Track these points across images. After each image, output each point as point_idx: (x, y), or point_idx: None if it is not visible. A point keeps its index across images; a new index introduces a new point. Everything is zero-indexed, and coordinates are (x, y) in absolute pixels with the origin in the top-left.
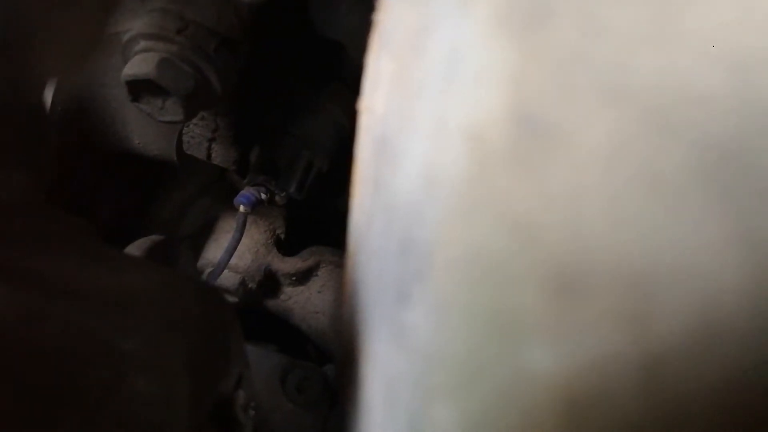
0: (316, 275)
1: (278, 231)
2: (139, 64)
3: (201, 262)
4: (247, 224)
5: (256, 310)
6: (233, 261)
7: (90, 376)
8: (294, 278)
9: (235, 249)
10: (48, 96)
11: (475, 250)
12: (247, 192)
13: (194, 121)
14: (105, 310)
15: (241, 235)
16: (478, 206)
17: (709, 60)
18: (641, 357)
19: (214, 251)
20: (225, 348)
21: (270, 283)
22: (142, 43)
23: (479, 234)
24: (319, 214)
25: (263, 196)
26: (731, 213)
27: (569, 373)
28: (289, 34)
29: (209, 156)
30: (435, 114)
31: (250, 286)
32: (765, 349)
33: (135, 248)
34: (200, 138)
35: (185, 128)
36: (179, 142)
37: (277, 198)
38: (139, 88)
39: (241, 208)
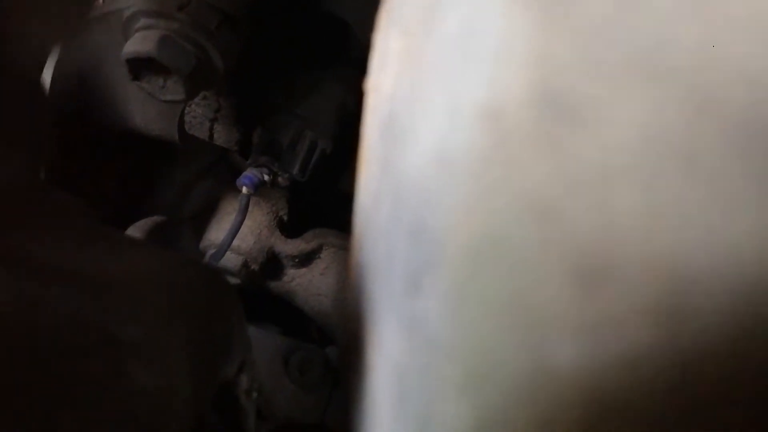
0: (319, 257)
1: (281, 213)
2: (140, 42)
3: (203, 244)
4: (250, 206)
5: (259, 291)
6: (235, 243)
7: (86, 368)
8: (297, 260)
9: (238, 230)
10: (47, 74)
11: (492, 237)
12: (250, 173)
13: (196, 100)
14: (103, 295)
15: (244, 216)
16: (497, 189)
17: (757, 36)
18: (675, 355)
19: (216, 233)
20: (227, 333)
21: (273, 265)
22: (143, 20)
23: (497, 219)
24: (322, 196)
25: (266, 177)
26: None
27: (594, 370)
28: (294, 11)
29: (211, 136)
30: (449, 92)
31: (252, 267)
32: None
33: (136, 229)
34: (202, 118)
35: (187, 108)
36: (181, 121)
37: (280, 179)
38: (139, 67)
39: (244, 189)
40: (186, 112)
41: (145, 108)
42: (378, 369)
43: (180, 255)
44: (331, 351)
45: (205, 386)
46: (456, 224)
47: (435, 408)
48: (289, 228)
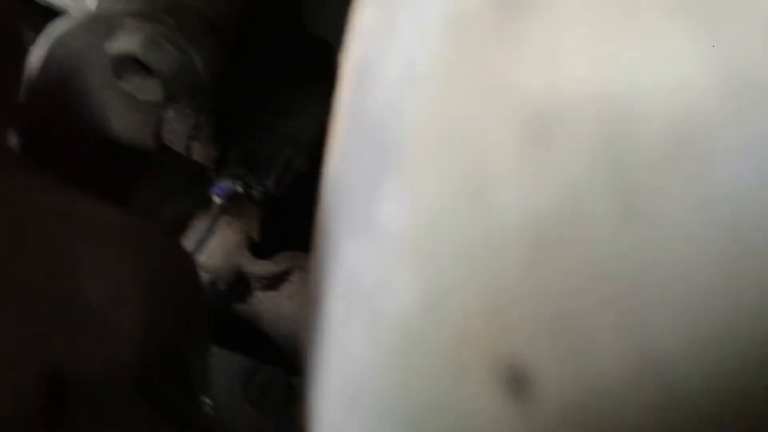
0: (289, 281)
1: (252, 233)
2: (125, 41)
3: None
4: (221, 224)
5: (224, 313)
6: (203, 259)
7: (30, 267)
8: (265, 282)
9: (207, 237)
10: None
11: (450, 121)
12: (224, 184)
13: (175, 116)
14: (60, 213)
15: (214, 225)
16: (456, 82)
17: None
18: (616, 185)
19: (187, 248)
20: (184, 296)
21: (240, 285)
22: (130, 22)
23: (455, 106)
24: (295, 219)
25: (239, 188)
26: (710, 45)
27: (538, 213)
28: (279, 30)
29: (188, 152)
30: (417, 14)
31: (219, 287)
32: (749, 177)
33: None
34: (180, 134)
35: (166, 123)
36: (157, 129)
37: (254, 192)
38: (123, 66)
39: (217, 200)
40: (165, 128)
41: (122, 114)
42: (332, 281)
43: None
44: (295, 380)
45: (155, 329)
46: (418, 121)
47: (385, 293)
48: (259, 249)
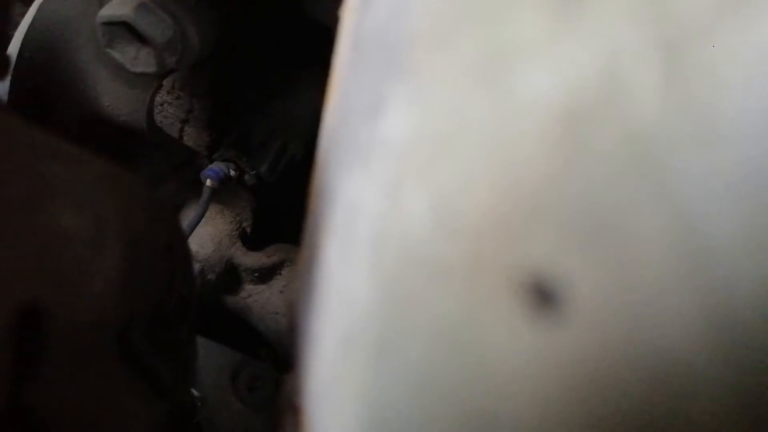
0: (280, 274)
1: (245, 224)
2: (117, 7)
3: None
4: (213, 213)
5: (213, 305)
6: (194, 248)
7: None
8: (256, 275)
9: (198, 222)
10: (15, 45)
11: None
12: (216, 166)
13: (169, 99)
14: (35, 143)
15: (205, 209)
16: None
17: None
18: (660, 41)
19: None
20: (167, 251)
21: (230, 277)
22: None
23: None
24: (288, 210)
25: (232, 172)
26: None
27: (570, 87)
28: (276, 12)
29: (181, 137)
30: None
31: (209, 276)
32: None
33: None
34: (173, 118)
35: (159, 107)
36: (150, 109)
37: (246, 177)
38: (114, 33)
39: (208, 182)
40: (157, 111)
41: (114, 89)
42: (331, 219)
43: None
44: (284, 378)
45: (137, 286)
46: (428, 6)
47: (389, 215)
48: (251, 241)
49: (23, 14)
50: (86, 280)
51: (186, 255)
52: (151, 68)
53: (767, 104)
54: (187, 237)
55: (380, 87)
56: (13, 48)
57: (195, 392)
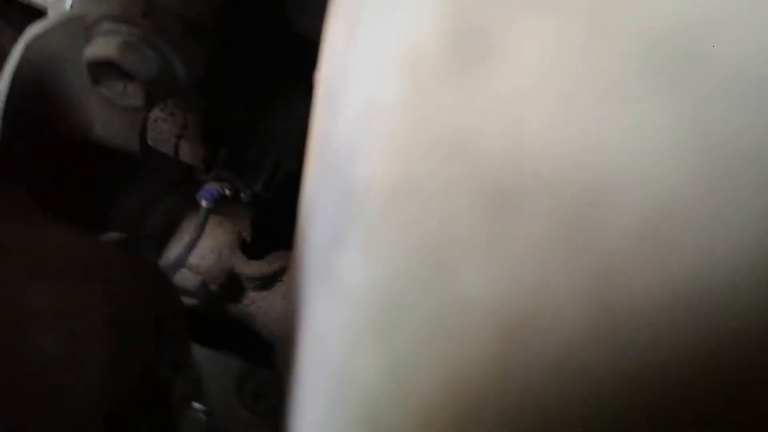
0: (281, 281)
1: (244, 233)
2: (101, 46)
3: (162, 262)
4: (212, 225)
5: (217, 314)
6: (194, 261)
7: None
8: (258, 282)
9: (195, 244)
10: (6, 76)
11: (408, 179)
12: (211, 187)
13: (162, 116)
14: (15, 263)
15: (202, 230)
16: (413, 131)
17: None
18: (585, 272)
19: (176, 250)
20: (155, 322)
21: (233, 286)
22: (106, 26)
23: (413, 161)
24: (286, 218)
25: (227, 192)
26: (682, 108)
27: (504, 296)
28: (265, 29)
29: (176, 153)
30: (373, 51)
31: (211, 288)
32: (723, 257)
33: None
34: (168, 134)
35: (153, 123)
36: (143, 132)
37: (242, 195)
38: (100, 71)
39: (204, 203)
40: (152, 127)
41: (106, 116)
42: (304, 336)
43: (112, 244)
44: None
45: (122, 369)
46: (376, 171)
47: (350, 362)
48: (251, 249)
49: (14, 39)
50: (66, 397)
51: (177, 314)
52: (140, 102)
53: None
54: (187, 255)
55: (341, 214)
56: (2, 86)
57: (201, 406)
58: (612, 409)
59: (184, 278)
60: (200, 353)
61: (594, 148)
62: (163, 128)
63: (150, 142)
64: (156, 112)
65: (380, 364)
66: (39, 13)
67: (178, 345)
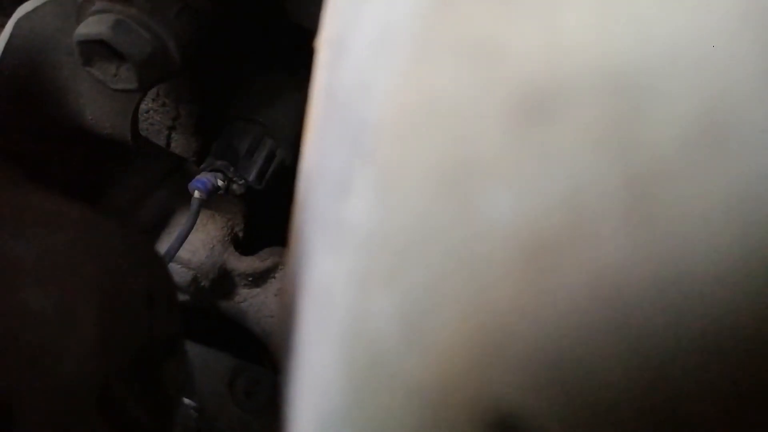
0: (274, 277)
1: (236, 229)
2: (93, 25)
3: None
4: (204, 219)
5: (208, 310)
6: (186, 256)
7: None
8: (250, 279)
9: (186, 236)
10: None
11: (426, 95)
12: (203, 177)
13: (154, 107)
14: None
15: (194, 222)
16: (434, 43)
17: None
18: (624, 182)
19: (167, 243)
20: (147, 297)
21: (224, 282)
22: (98, 4)
23: (432, 75)
24: (280, 213)
25: (220, 182)
26: None
27: (533, 216)
28: (261, 18)
29: (168, 145)
30: None
31: (202, 283)
32: None
33: None
34: (160, 125)
35: (145, 114)
36: (134, 120)
37: (235, 186)
38: (92, 51)
39: (196, 194)
40: (143, 118)
41: (96, 102)
42: (306, 297)
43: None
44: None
45: (113, 336)
46: (392, 97)
47: (359, 309)
48: (244, 245)
49: (3, 24)
50: (57, 360)
51: (170, 294)
52: (132, 85)
53: (745, 243)
54: (178, 247)
55: (348, 162)
56: None
57: (192, 402)
58: (653, 342)
59: (175, 273)
60: (192, 349)
61: (639, 33)
62: (155, 119)
63: (142, 134)
64: (148, 103)
65: (393, 309)
66: None
67: (170, 326)
